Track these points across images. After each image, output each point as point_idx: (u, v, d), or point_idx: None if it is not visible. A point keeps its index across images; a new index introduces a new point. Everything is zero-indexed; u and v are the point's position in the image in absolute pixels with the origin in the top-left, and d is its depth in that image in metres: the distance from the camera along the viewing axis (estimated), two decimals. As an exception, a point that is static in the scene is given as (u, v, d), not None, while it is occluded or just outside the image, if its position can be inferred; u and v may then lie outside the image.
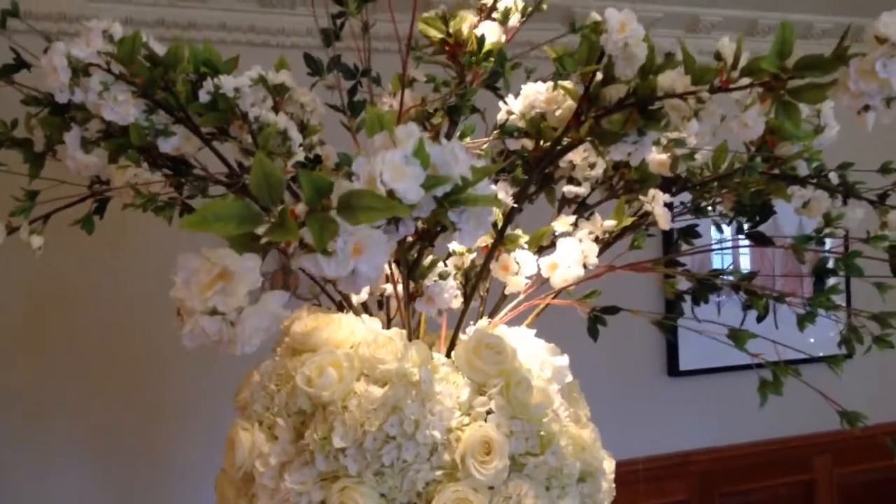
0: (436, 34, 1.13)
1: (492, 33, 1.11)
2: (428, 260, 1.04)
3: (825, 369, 1.11)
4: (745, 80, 0.79)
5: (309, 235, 0.59)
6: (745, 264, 3.23)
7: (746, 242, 1.12)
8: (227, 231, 0.59)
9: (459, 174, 0.69)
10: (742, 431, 3.23)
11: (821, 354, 1.10)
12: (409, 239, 0.96)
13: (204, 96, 1.02)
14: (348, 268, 0.61)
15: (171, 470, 2.48)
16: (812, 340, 1.16)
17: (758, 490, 3.28)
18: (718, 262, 3.04)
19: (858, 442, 3.26)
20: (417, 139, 0.66)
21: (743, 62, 0.81)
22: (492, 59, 1.07)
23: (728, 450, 3.22)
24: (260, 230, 0.59)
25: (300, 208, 0.61)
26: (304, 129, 1.15)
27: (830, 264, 1.01)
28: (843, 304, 1.07)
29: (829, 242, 1.14)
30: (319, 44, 1.15)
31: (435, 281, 1.05)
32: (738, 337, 1.00)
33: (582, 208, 1.29)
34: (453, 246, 1.16)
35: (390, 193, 0.63)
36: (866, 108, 0.73)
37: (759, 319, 1.02)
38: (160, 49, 1.02)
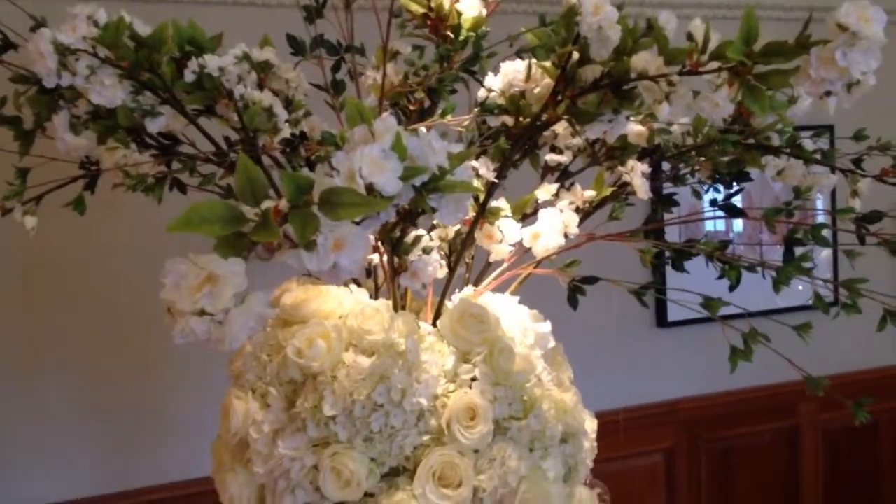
0: (417, 8, 1.15)
1: (472, 7, 1.12)
2: (411, 236, 1.07)
3: (808, 318, 1.15)
4: (714, 64, 0.81)
5: (292, 231, 0.63)
6: (737, 224, 3.27)
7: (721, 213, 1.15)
8: (212, 232, 0.62)
9: (436, 164, 0.72)
10: (728, 380, 3.28)
11: (809, 301, 1.14)
12: (391, 220, 0.99)
13: (189, 76, 1.04)
14: (329, 262, 0.64)
15: (166, 430, 2.53)
16: (801, 288, 1.20)
17: (743, 436, 3.36)
18: (709, 223, 3.07)
19: (843, 388, 3.32)
20: (395, 133, 0.69)
21: (713, 45, 0.83)
22: (472, 33, 1.09)
23: (714, 398, 3.29)
24: (244, 230, 0.63)
25: (283, 204, 0.64)
26: (289, 104, 1.18)
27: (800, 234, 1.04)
28: (817, 270, 1.11)
29: (819, 204, 1.16)
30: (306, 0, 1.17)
31: (419, 256, 1.08)
32: (710, 305, 1.04)
33: (564, 176, 1.32)
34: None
35: (369, 187, 0.66)
36: (828, 93, 0.75)
37: (731, 289, 1.06)
38: (144, 29, 1.04)
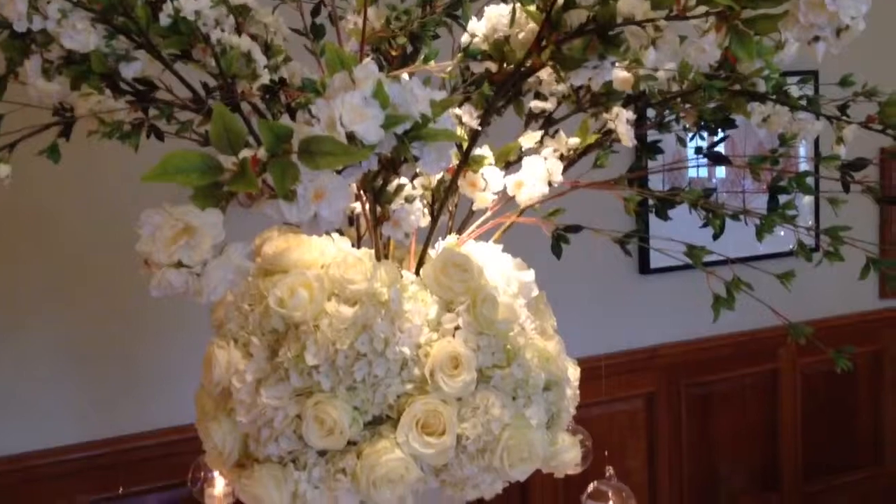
0: (398, -50, 1.12)
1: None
2: (393, 185, 1.06)
3: (791, 264, 1.15)
4: (702, 9, 0.80)
5: (271, 181, 0.61)
6: (720, 171, 3.26)
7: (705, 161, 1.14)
8: (188, 182, 0.60)
9: (419, 111, 0.71)
10: (709, 326, 3.31)
11: (791, 247, 1.14)
12: (373, 169, 0.97)
13: (164, 19, 1.01)
14: (309, 213, 0.63)
15: (148, 379, 2.53)
16: (782, 234, 1.20)
17: (723, 381, 3.40)
18: (693, 170, 3.07)
19: (822, 333, 3.36)
20: (376, 80, 0.67)
21: (700, -11, 0.81)
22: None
23: (695, 343, 3.32)
24: (221, 179, 0.61)
25: (261, 154, 0.62)
26: (267, 49, 1.15)
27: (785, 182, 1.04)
28: (799, 217, 1.11)
29: (802, 151, 1.16)
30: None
31: (401, 205, 1.07)
32: (694, 254, 1.04)
33: (548, 123, 1.30)
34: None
35: (350, 136, 0.65)
36: (816, 38, 0.74)
37: (715, 237, 1.06)
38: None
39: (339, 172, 0.66)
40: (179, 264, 0.62)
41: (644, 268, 3.27)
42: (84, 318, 2.47)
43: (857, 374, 3.64)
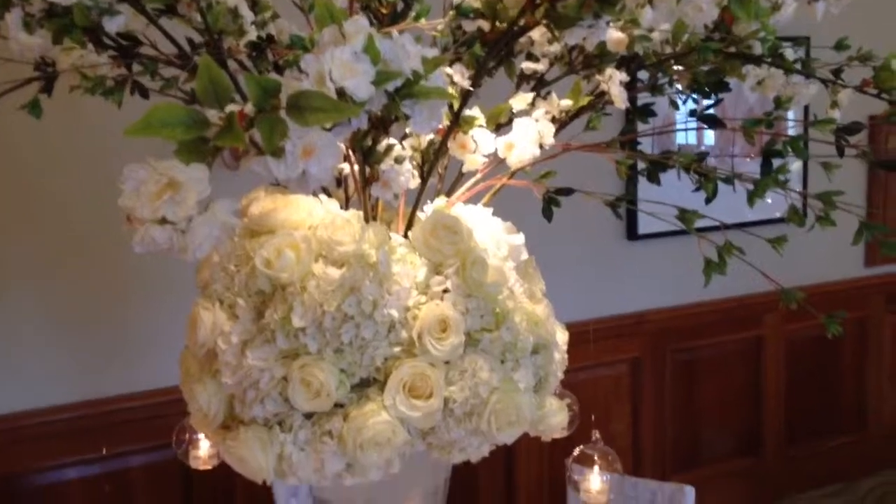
0: None
1: None
2: (383, 145, 1.04)
3: (779, 231, 1.14)
4: (700, -33, 0.78)
5: (258, 137, 0.59)
6: (709, 138, 3.25)
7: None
8: (173, 136, 0.58)
9: (410, 68, 0.69)
10: (697, 292, 3.34)
11: (777, 215, 1.13)
12: (363, 128, 0.96)
13: (149, -28, 0.99)
14: (298, 170, 0.61)
15: (134, 340, 2.52)
16: (769, 201, 1.19)
17: (709, 346, 3.43)
18: (681, 136, 3.05)
19: (810, 299, 3.36)
20: (367, 34, 0.65)
21: (699, -54, 0.80)
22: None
23: (682, 309, 3.34)
24: (207, 134, 0.59)
25: (249, 109, 0.60)
26: (255, 5, 1.12)
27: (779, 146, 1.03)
28: (790, 183, 1.10)
29: (791, 115, 1.15)
30: None
31: (391, 165, 1.05)
32: (686, 218, 1.03)
33: (540, 85, 1.28)
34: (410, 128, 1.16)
35: (340, 91, 0.63)
36: (816, -1, 0.73)
37: (708, 201, 1.05)
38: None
39: (328, 130, 0.64)
40: (163, 220, 0.60)
41: (632, 234, 3.27)
42: (70, 281, 2.45)
43: (842, 340, 3.67)
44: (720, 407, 3.49)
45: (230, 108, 0.60)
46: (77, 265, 2.45)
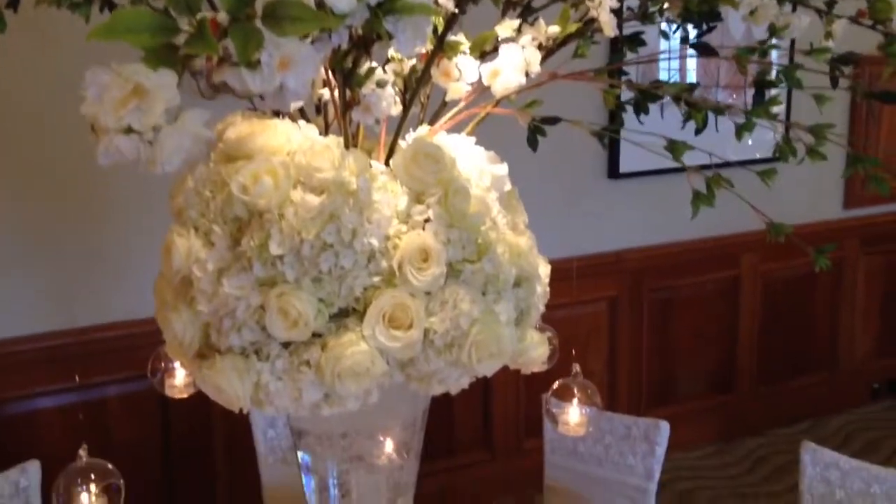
0: None
1: None
2: (365, 67, 1.00)
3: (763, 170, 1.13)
4: None
5: (232, 47, 0.56)
6: (691, 75, 3.21)
7: (691, 52, 1.10)
8: (139, 42, 0.55)
9: (394, -20, 0.65)
10: (676, 231, 3.34)
11: (758, 156, 1.12)
12: (344, 47, 0.92)
13: None
14: (275, 82, 0.58)
15: (108, 269, 2.49)
16: (750, 142, 1.17)
17: (686, 286, 3.44)
18: (664, 71, 3.01)
19: (792, 235, 3.38)
20: (349, -59, 0.61)
21: None
22: None
23: (660, 248, 3.34)
24: (177, 41, 0.56)
25: (222, 17, 0.57)
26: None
27: (772, 76, 1.00)
28: (782, 116, 1.08)
29: (774, 54, 1.13)
30: None
31: (372, 89, 1.02)
32: (675, 148, 1.01)
33: (527, 12, 1.24)
34: (392, 51, 1.12)
35: (319, 3, 0.59)
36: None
37: (698, 132, 1.02)
38: None
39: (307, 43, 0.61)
40: (129, 130, 0.57)
41: (613, 172, 3.24)
42: (39, 206, 2.40)
43: (817, 281, 3.70)
44: (696, 345, 3.52)
45: (201, 14, 0.56)
46: (48, 191, 2.40)
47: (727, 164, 1.12)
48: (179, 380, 1.50)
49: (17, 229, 2.38)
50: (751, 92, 1.09)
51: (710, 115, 1.08)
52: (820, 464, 1.90)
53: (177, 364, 1.49)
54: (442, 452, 3.02)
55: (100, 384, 2.51)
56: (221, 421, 2.66)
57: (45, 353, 2.41)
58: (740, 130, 1.08)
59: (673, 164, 1.08)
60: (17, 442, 2.35)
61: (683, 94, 1.00)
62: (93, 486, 1.37)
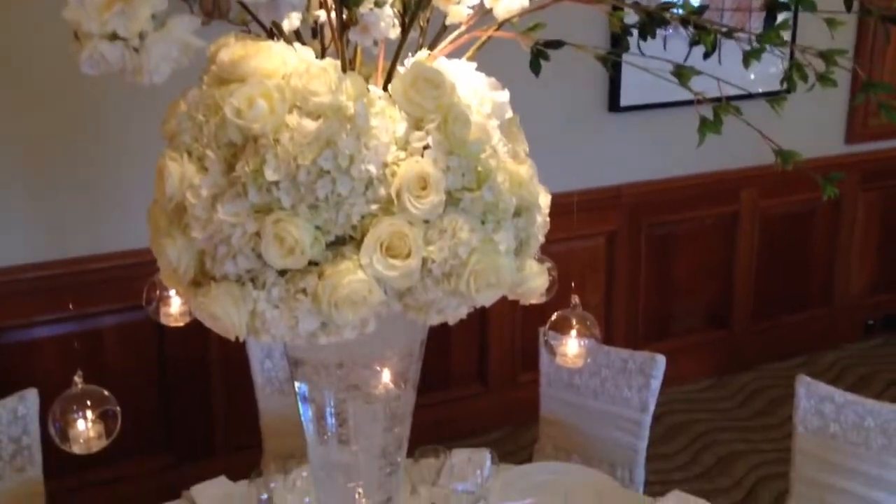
0: None
1: None
2: (362, -15, 0.96)
3: (762, 107, 1.10)
4: None
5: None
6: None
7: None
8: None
9: None
10: (676, 166, 3.31)
11: (760, 91, 1.09)
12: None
13: None
14: (269, -9, 0.55)
15: (102, 199, 2.46)
16: (752, 77, 1.14)
17: (684, 221, 3.42)
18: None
19: (784, 176, 3.36)
20: None
21: None
22: None
23: (659, 183, 3.31)
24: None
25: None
26: None
27: (784, -1, 0.97)
28: (790, 41, 1.04)
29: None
30: None
31: (371, 9, 0.98)
32: (682, 73, 0.98)
33: (530, -69, 1.20)
34: (391, -30, 1.08)
35: None
36: None
37: (706, 56, 0.99)
38: None
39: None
40: (114, 36, 0.54)
41: (613, 105, 3.20)
42: (32, 133, 2.36)
43: (816, 217, 3.69)
44: (693, 280, 3.52)
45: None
46: (41, 119, 2.36)
47: (732, 98, 1.09)
48: (175, 308, 1.49)
49: (8, 160, 2.35)
50: (756, 18, 1.05)
51: (713, 58, 1.05)
52: (814, 397, 1.91)
53: (172, 292, 1.48)
54: (437, 385, 3.04)
55: (96, 314, 2.51)
56: (218, 353, 2.67)
57: (40, 283, 2.40)
58: (748, 57, 1.05)
59: (674, 98, 1.05)
60: (15, 371, 2.35)
61: (693, 17, 0.97)
62: (89, 413, 1.37)
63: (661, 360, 2.07)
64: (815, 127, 3.45)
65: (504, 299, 1.18)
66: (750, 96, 1.11)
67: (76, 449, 1.38)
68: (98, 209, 2.46)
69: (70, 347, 2.34)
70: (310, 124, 1.01)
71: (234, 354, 2.43)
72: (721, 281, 3.58)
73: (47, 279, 2.41)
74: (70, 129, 2.38)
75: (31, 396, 1.85)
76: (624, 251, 3.32)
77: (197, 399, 2.72)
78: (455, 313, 1.13)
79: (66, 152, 2.39)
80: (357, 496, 1.31)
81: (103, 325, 2.53)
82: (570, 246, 3.10)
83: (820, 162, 3.54)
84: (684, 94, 1.07)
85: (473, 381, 3.18)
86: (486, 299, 1.10)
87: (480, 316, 2.98)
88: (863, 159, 3.66)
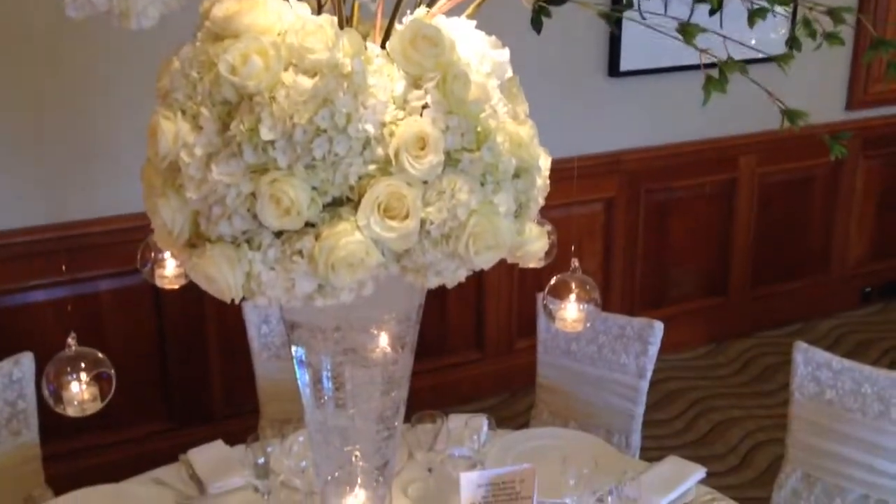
0: None
1: None
2: (360, -64, 0.94)
3: (763, 71, 1.08)
4: None
5: None
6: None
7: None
8: None
9: None
10: (675, 132, 3.28)
11: (761, 56, 1.07)
12: None
13: None
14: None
15: (96, 164, 2.44)
16: (753, 42, 1.12)
17: (683, 188, 3.41)
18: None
19: (783, 143, 3.36)
20: None
21: None
22: None
23: (658, 149, 3.29)
24: None
25: None
26: None
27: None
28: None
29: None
30: None
31: (368, -38, 0.96)
32: (687, 31, 0.96)
33: None
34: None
35: None
36: None
37: (712, 12, 0.97)
38: None
39: None
40: (103, -23, 0.52)
41: (613, 70, 3.16)
42: (24, 96, 2.33)
43: (815, 183, 3.67)
44: (690, 247, 3.51)
45: None
46: (34, 81, 2.33)
47: (736, 62, 1.07)
48: (170, 270, 1.48)
49: (0, 125, 2.32)
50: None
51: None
52: (811, 363, 1.91)
53: (167, 254, 1.46)
54: (434, 351, 3.03)
55: (92, 278, 2.49)
56: (215, 317, 2.66)
57: (35, 247, 2.38)
58: (753, 15, 1.03)
59: (673, 63, 1.03)
60: (11, 335, 2.34)
61: (698, -27, 0.95)
62: (83, 375, 1.36)
63: (658, 326, 2.06)
64: (816, 93, 3.42)
65: (502, 265, 1.16)
66: (753, 61, 1.09)
67: (70, 411, 1.37)
68: (93, 173, 2.43)
69: (66, 311, 2.33)
70: (306, 82, 0.99)
71: (230, 320, 2.42)
72: (719, 248, 3.57)
73: (42, 243, 2.39)
74: (63, 92, 2.35)
75: (27, 360, 1.83)
76: (622, 218, 3.30)
77: (194, 363, 2.71)
78: (453, 276, 1.12)
79: (59, 116, 2.36)
80: (354, 460, 1.30)
81: (99, 290, 2.52)
82: (568, 212, 3.08)
83: (820, 129, 3.51)
84: (684, 59, 1.05)
85: (470, 347, 3.17)
86: (486, 262, 1.09)
87: (477, 283, 2.97)
88: (863, 126, 3.64)
